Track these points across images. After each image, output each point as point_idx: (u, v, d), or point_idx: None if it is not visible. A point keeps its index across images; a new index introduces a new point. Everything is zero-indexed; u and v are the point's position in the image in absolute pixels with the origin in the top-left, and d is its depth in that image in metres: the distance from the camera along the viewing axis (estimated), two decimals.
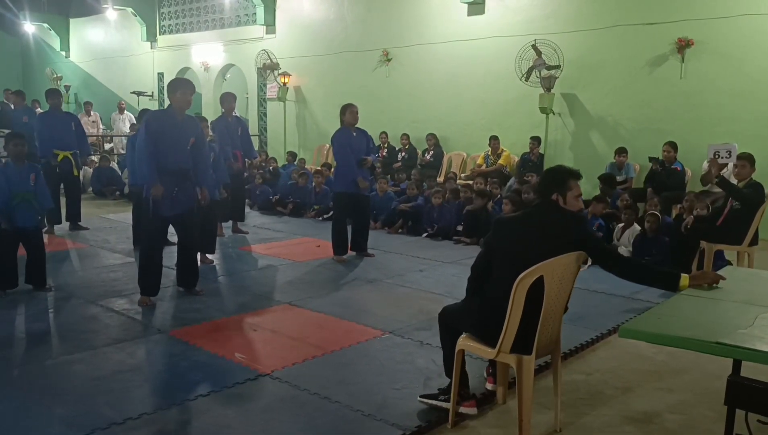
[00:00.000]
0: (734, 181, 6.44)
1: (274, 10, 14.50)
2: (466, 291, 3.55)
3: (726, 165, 6.52)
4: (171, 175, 5.29)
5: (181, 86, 5.39)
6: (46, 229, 7.73)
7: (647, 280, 3.41)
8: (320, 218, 9.81)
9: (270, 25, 14.55)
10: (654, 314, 2.86)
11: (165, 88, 15.85)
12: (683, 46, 9.14)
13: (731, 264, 6.21)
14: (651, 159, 8.69)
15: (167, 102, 5.65)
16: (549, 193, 3.31)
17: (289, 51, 14.18)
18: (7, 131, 8.56)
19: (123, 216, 9.48)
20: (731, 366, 2.72)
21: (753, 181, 6.16)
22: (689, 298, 3.05)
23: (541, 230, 3.25)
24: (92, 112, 16.27)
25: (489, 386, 3.80)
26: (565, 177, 3.33)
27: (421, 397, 3.65)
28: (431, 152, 11.69)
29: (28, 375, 4.01)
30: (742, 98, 8.75)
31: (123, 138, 15.36)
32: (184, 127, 5.39)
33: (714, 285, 3.20)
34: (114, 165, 13.18)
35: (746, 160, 6.19)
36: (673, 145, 8.66)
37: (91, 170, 12.42)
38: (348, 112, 7.20)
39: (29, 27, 19.91)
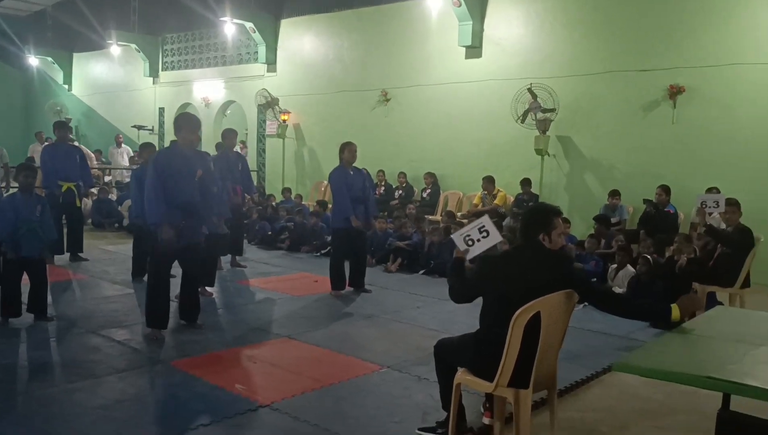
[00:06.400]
0: (723, 225, 6.61)
1: (276, 49, 14.81)
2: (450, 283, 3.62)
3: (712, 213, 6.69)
4: (178, 208, 5.39)
5: (188, 123, 5.55)
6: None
7: (639, 315, 3.53)
8: (317, 254, 9.90)
9: (271, 63, 14.85)
10: (647, 350, 2.96)
11: (167, 122, 16.16)
12: (675, 92, 9.41)
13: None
14: (645, 201, 8.86)
15: (167, 136, 5.80)
16: (535, 233, 3.41)
17: (289, 89, 14.45)
18: None
19: (122, 248, 9.55)
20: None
21: (742, 226, 6.32)
22: (682, 335, 3.16)
23: (527, 270, 3.33)
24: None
25: (486, 421, 3.86)
26: (549, 216, 3.43)
27: (419, 430, 3.71)
28: (428, 190, 11.86)
29: (31, 403, 4.05)
30: (732, 143, 8.98)
31: (123, 171, 15.53)
32: (191, 162, 5.52)
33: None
34: (112, 197, 13.28)
35: (734, 205, 6.37)
36: (665, 189, 8.82)
37: (90, 202, 12.51)
38: (347, 150, 7.36)
39: (33, 60, 20.23)
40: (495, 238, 3.75)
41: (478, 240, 3.72)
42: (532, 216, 3.51)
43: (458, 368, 3.51)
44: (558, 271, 3.36)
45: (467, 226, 3.89)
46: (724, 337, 3.13)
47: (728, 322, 3.45)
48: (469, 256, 3.72)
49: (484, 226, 3.76)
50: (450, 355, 3.59)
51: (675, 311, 3.24)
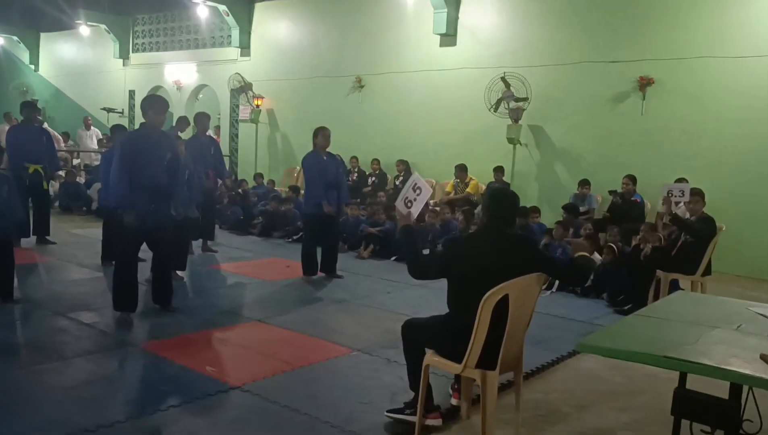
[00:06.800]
0: (688, 215, 6.78)
1: (250, 33, 14.69)
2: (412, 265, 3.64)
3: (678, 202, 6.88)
4: (147, 191, 5.35)
5: (154, 105, 5.49)
6: None
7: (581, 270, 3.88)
8: (290, 239, 9.90)
9: (245, 47, 14.72)
10: (609, 332, 3.06)
11: (137, 105, 15.91)
12: (644, 84, 9.57)
13: None
14: (611, 192, 9.04)
15: (137, 119, 5.74)
16: (505, 217, 3.49)
17: (262, 74, 14.36)
18: None
19: (90, 231, 9.45)
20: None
21: (705, 216, 6.49)
22: (642, 318, 3.27)
23: (499, 256, 3.39)
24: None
25: (454, 401, 3.94)
26: (517, 204, 3.58)
27: (387, 411, 3.76)
28: (401, 178, 11.90)
29: None
30: (698, 135, 9.18)
31: (91, 154, 15.29)
32: (159, 144, 5.47)
33: None
34: (80, 180, 13.09)
35: (698, 195, 6.53)
36: (632, 178, 9.00)
37: (57, 184, 12.31)
38: (320, 135, 7.36)
39: None
40: (426, 191, 3.81)
41: (415, 199, 3.79)
42: (505, 202, 3.54)
43: (426, 350, 3.57)
44: (528, 256, 3.44)
45: (403, 190, 3.90)
46: (682, 319, 3.24)
47: (686, 306, 3.57)
48: (413, 214, 3.77)
49: (416, 184, 3.81)
50: (417, 336, 3.64)
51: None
